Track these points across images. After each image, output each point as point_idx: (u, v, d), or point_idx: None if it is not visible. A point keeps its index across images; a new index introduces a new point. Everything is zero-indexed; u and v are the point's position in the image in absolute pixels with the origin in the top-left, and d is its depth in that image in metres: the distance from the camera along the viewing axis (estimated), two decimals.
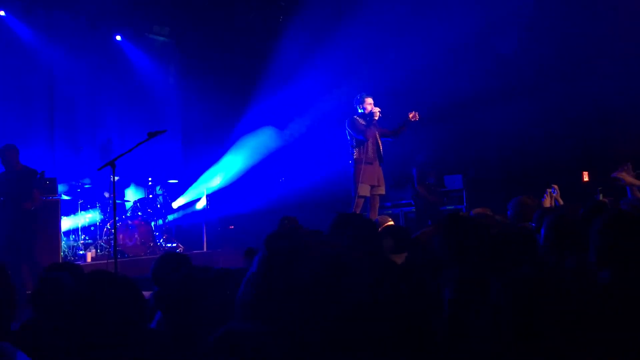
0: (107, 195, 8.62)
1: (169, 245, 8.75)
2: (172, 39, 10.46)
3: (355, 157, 7.30)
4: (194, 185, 9.91)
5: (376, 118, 7.16)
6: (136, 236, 8.33)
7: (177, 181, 9.73)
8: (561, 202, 4.95)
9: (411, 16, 8.53)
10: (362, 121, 7.23)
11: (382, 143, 7.36)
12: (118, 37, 10.00)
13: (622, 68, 7.99)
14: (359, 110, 7.31)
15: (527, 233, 3.36)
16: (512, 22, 8.33)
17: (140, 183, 9.38)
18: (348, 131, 7.33)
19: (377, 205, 7.52)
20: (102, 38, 9.77)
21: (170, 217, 9.38)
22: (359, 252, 2.86)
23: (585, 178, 8.00)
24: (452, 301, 2.15)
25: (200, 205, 9.62)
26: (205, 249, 9.09)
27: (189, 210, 9.68)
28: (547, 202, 4.86)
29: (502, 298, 1.74)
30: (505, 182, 8.62)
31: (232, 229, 9.83)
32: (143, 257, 8.05)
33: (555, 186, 4.91)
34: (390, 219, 6.19)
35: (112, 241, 7.10)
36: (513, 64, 8.47)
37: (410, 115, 7.21)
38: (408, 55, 8.44)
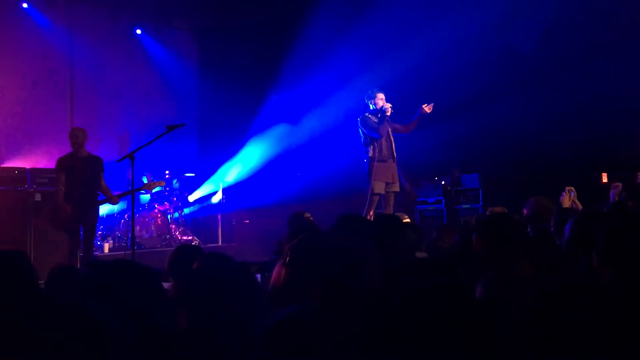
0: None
1: (185, 238, 8.82)
2: (192, 33, 10.52)
3: (369, 155, 7.25)
4: (210, 178, 9.97)
5: (388, 114, 7.08)
6: (152, 228, 8.42)
7: (193, 174, 9.80)
8: (578, 204, 4.90)
9: (428, 11, 8.48)
10: (374, 118, 7.14)
11: (394, 140, 7.31)
12: (138, 31, 10.08)
13: None
14: (370, 106, 7.24)
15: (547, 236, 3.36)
16: (532, 19, 8.24)
17: (157, 176, 9.44)
18: (361, 129, 7.28)
19: (392, 202, 7.50)
20: (123, 31, 9.86)
21: (186, 210, 9.45)
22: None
23: (604, 179, 7.91)
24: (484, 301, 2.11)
25: (216, 198, 9.69)
26: (220, 243, 9.16)
27: (204, 204, 9.75)
28: (566, 202, 4.79)
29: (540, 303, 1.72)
30: (522, 182, 8.55)
31: (247, 223, 9.88)
32: (159, 249, 8.13)
33: (572, 188, 4.85)
34: (406, 216, 6.21)
35: (130, 233, 7.20)
36: (532, 61, 8.39)
37: (425, 107, 7.13)
38: (425, 51, 8.39)
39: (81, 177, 6.34)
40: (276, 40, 9.89)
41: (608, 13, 7.86)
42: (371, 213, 7.16)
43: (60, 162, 6.42)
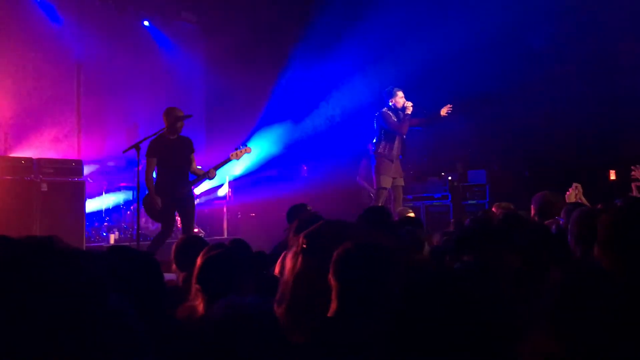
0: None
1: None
2: (200, 25, 10.51)
3: (379, 151, 7.30)
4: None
5: (409, 112, 7.17)
6: None
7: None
8: (585, 201, 4.86)
9: (440, 6, 8.44)
10: (394, 116, 7.23)
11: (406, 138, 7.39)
12: (146, 23, 10.08)
13: None
14: (390, 104, 7.30)
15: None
16: (544, 15, 8.19)
17: None
18: (379, 124, 7.32)
19: (401, 197, 7.54)
20: (131, 23, 9.86)
21: None
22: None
23: (612, 177, 7.85)
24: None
25: (222, 191, 9.68)
26: (225, 235, 9.16)
27: (211, 197, 9.75)
28: (572, 198, 4.77)
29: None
30: (529, 178, 8.51)
31: (253, 216, 9.88)
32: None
33: (579, 185, 4.82)
34: (411, 211, 6.21)
35: (135, 224, 7.22)
36: (542, 58, 8.34)
37: (443, 111, 7.23)
38: (434, 47, 8.36)
39: (176, 162, 6.12)
40: (284, 33, 9.86)
41: (620, 12, 7.79)
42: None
43: (151, 146, 6.10)
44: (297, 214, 4.60)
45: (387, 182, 7.25)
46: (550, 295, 1.46)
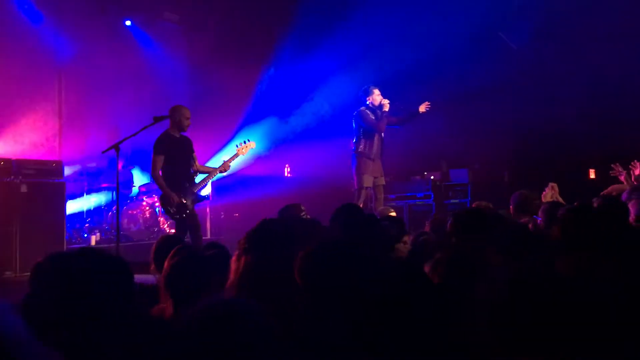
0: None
1: (173, 230, 8.77)
2: (182, 25, 10.46)
3: (359, 150, 7.32)
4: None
5: (386, 110, 7.18)
6: (140, 221, 8.39)
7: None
8: (561, 200, 4.92)
9: (421, 6, 8.47)
10: (371, 115, 7.23)
11: (384, 137, 7.40)
12: (128, 22, 10.01)
13: (635, 63, 7.91)
14: (367, 102, 7.30)
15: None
16: (523, 15, 8.26)
17: (146, 168, 9.40)
18: (357, 123, 7.33)
19: (382, 196, 7.56)
20: (112, 23, 9.77)
21: None
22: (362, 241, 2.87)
23: (592, 175, 7.94)
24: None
25: (205, 191, 9.63)
26: (209, 236, 9.12)
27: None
28: (548, 196, 4.84)
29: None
30: (510, 177, 8.59)
31: (236, 216, 9.85)
32: (147, 242, 8.09)
33: (555, 184, 4.89)
34: (392, 210, 6.22)
35: (118, 225, 7.17)
36: (521, 58, 8.41)
37: (421, 108, 7.25)
38: (414, 46, 8.40)
39: (183, 160, 6.02)
40: (267, 31, 9.85)
41: (600, 11, 7.88)
42: (361, 206, 7.19)
43: (158, 143, 5.98)
44: (289, 214, 4.61)
45: (368, 181, 7.27)
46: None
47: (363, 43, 9.16)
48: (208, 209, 9.37)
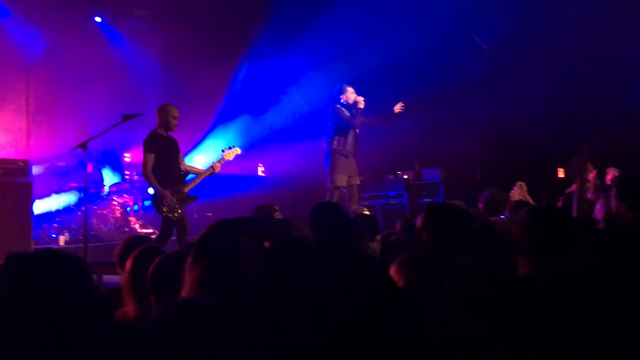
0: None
1: (144, 231, 8.67)
2: (153, 21, 10.32)
3: (333, 147, 7.30)
4: None
5: (361, 107, 7.17)
6: (111, 221, 8.27)
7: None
8: (529, 198, 4.98)
9: (393, 6, 8.50)
10: (346, 112, 7.22)
11: (359, 136, 7.39)
12: (98, 19, 9.85)
13: (602, 64, 8.05)
14: (342, 101, 7.30)
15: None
16: (494, 16, 8.34)
17: (117, 167, 9.28)
18: (332, 120, 7.32)
19: (357, 195, 7.55)
20: (82, 19, 9.60)
21: (146, 203, 9.28)
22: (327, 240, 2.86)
23: (561, 174, 8.06)
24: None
25: None
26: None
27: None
28: (516, 195, 4.89)
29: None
30: (482, 176, 8.67)
31: (210, 216, 9.76)
32: (117, 242, 7.94)
33: (523, 184, 4.95)
34: (366, 209, 6.21)
35: (85, 225, 7.04)
36: (494, 58, 8.49)
37: (396, 108, 7.27)
38: (387, 46, 8.43)
39: (172, 159, 5.98)
40: (240, 28, 9.77)
41: (567, 14, 7.99)
42: None
43: (149, 141, 5.94)
44: (262, 215, 4.56)
45: (341, 180, 7.25)
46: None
47: (336, 42, 9.16)
48: None
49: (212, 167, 6.29)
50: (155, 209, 6.09)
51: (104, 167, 9.07)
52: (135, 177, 9.05)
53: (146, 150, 5.91)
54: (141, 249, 2.91)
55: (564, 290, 1.93)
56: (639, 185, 3.34)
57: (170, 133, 6.13)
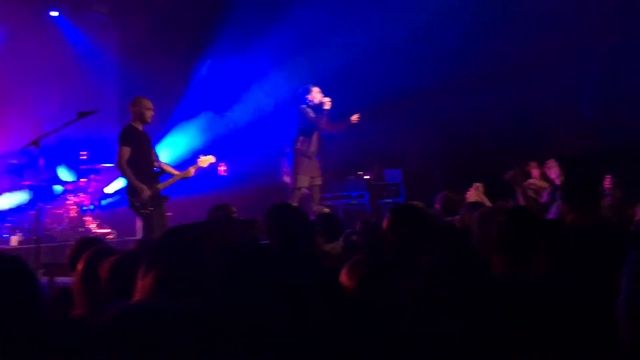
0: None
1: (101, 231, 8.47)
2: (112, 16, 10.10)
3: (297, 147, 7.28)
4: None
5: (327, 108, 7.15)
6: (65, 221, 8.06)
7: (112, 165, 9.42)
8: (486, 199, 5.05)
9: (355, 8, 8.53)
10: (312, 112, 7.20)
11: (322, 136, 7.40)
12: (54, 13, 9.58)
13: (556, 70, 8.25)
14: (307, 102, 7.27)
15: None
16: (456, 18, 8.46)
17: (73, 166, 9.04)
18: (297, 120, 7.28)
19: (319, 196, 7.54)
20: (37, 13, 9.33)
21: (103, 202, 9.09)
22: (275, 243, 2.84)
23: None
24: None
25: None
26: (139, 236, 8.85)
27: (123, 196, 9.39)
28: (472, 197, 4.96)
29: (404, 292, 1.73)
30: (443, 176, 8.78)
31: (169, 215, 9.60)
32: (72, 243, 7.75)
33: (480, 184, 5.02)
34: (327, 210, 6.24)
35: (40, 225, 6.85)
36: (451, 60, 8.60)
37: (353, 119, 7.28)
38: (350, 47, 8.45)
39: (147, 154, 5.85)
40: (201, 25, 9.63)
41: (525, 19, 8.16)
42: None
43: (125, 134, 5.81)
44: (218, 215, 4.49)
45: (304, 181, 7.24)
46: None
47: (299, 40, 9.13)
48: None
49: (187, 170, 6.25)
50: (129, 204, 5.93)
51: (59, 165, 8.83)
52: (92, 175, 8.84)
53: (122, 143, 5.79)
54: (93, 250, 2.84)
55: (535, 289, 1.97)
56: (579, 186, 3.41)
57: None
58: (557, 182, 4.96)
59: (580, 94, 8.48)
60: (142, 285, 1.75)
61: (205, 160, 6.54)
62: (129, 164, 5.77)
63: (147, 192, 5.74)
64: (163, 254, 1.73)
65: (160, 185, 5.98)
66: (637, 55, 7.96)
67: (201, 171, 6.66)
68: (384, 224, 3.04)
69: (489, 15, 8.24)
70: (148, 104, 5.96)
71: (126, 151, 5.75)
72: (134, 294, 1.83)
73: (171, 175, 6.20)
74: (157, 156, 6.20)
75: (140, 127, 5.93)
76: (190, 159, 9.72)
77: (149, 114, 5.94)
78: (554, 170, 5.11)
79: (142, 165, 5.83)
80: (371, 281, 1.81)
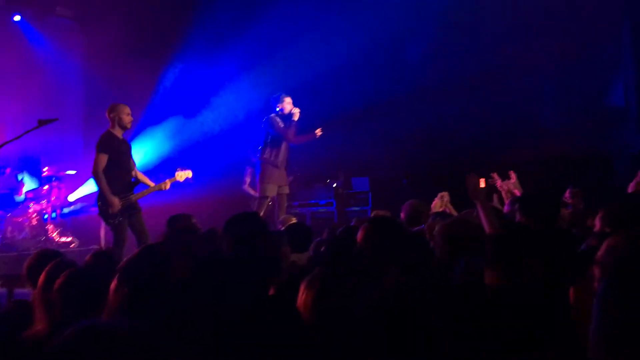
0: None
1: (63, 239, 8.29)
2: (77, 21, 9.92)
3: (265, 156, 7.26)
4: None
5: (295, 119, 7.16)
6: (27, 229, 7.86)
7: (75, 172, 9.25)
8: (452, 209, 5.11)
9: (325, 18, 8.56)
10: (280, 122, 7.19)
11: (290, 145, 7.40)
12: (17, 17, 9.37)
13: (522, 80, 8.42)
14: (277, 110, 7.27)
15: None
16: (421, 31, 8.57)
17: (35, 173, 8.85)
18: (266, 129, 7.27)
19: (285, 205, 7.53)
20: None
21: (66, 210, 8.91)
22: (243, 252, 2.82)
23: (482, 184, 8.31)
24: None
25: None
26: (102, 244, 8.69)
27: (87, 203, 9.22)
28: (437, 207, 5.01)
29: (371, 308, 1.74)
30: (408, 185, 8.85)
31: None
32: (33, 252, 7.56)
33: (446, 193, 5.07)
34: (294, 219, 6.20)
35: (1, 234, 6.68)
36: (416, 71, 8.71)
37: (317, 132, 7.32)
38: (317, 56, 8.48)
39: (125, 163, 5.72)
40: (168, 29, 9.52)
41: (492, 30, 8.30)
42: (261, 215, 7.14)
43: (103, 141, 5.67)
44: (177, 225, 4.43)
45: (271, 190, 7.22)
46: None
47: (266, 51, 9.12)
48: None
49: (163, 182, 6.12)
50: (98, 211, 5.84)
51: (21, 172, 8.62)
52: (54, 183, 8.65)
53: (99, 151, 5.69)
54: (54, 264, 2.77)
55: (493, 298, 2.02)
56: (536, 197, 3.48)
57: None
58: (517, 193, 5.03)
59: (539, 103, 8.68)
60: (114, 299, 1.74)
61: (182, 175, 6.42)
62: (104, 172, 5.66)
63: (117, 204, 5.64)
64: (137, 272, 1.72)
65: (134, 196, 5.86)
66: (593, 66, 8.20)
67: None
68: (360, 235, 3.04)
69: (452, 26, 8.37)
70: (126, 109, 5.87)
71: (102, 159, 5.66)
72: (106, 308, 1.81)
73: (146, 186, 6.05)
74: (134, 166, 6.05)
75: (119, 135, 5.83)
76: (158, 166, 9.63)
77: (128, 120, 5.84)
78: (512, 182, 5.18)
79: (118, 174, 5.74)
80: (326, 297, 1.81)
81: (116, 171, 5.73)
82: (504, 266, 2.34)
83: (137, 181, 6.03)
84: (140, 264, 1.79)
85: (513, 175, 5.19)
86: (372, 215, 5.51)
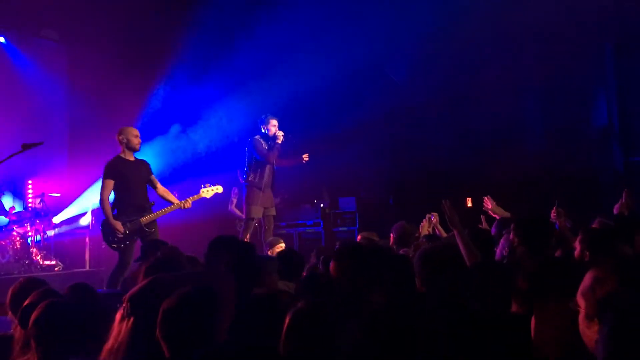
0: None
1: (47, 262, 8.18)
2: (62, 43, 9.88)
3: (249, 179, 7.22)
4: (79, 198, 9.35)
5: (279, 142, 7.13)
6: (10, 253, 7.74)
7: (59, 194, 9.15)
8: (441, 230, 5.10)
9: (311, 39, 8.60)
10: (264, 144, 7.16)
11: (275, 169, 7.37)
12: (1, 39, 9.31)
13: (506, 100, 8.49)
14: (263, 131, 7.25)
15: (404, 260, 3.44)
16: (405, 52, 8.64)
17: (19, 196, 8.75)
18: (250, 151, 7.24)
19: (272, 226, 7.47)
20: None
21: (50, 233, 8.79)
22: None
23: (469, 204, 8.36)
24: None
25: (85, 220, 9.09)
26: (87, 267, 8.59)
27: (72, 226, 9.12)
28: (425, 229, 5.00)
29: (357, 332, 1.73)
30: (394, 205, 8.86)
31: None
32: (16, 276, 7.44)
33: (435, 214, 5.06)
34: (282, 241, 6.11)
35: None
36: (402, 91, 8.76)
37: (304, 157, 7.32)
38: (303, 77, 8.51)
39: (134, 186, 5.65)
40: (153, 53, 9.51)
41: (473, 51, 8.40)
42: (247, 237, 7.08)
43: (108, 167, 5.66)
44: (153, 251, 4.33)
45: (257, 212, 7.17)
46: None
47: (255, 72, 9.12)
48: (87, 239, 8.82)
49: (185, 200, 6.00)
50: (103, 237, 5.81)
51: (3, 195, 8.52)
52: (39, 205, 8.55)
53: (104, 176, 5.69)
54: (36, 294, 2.70)
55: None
56: (532, 221, 3.49)
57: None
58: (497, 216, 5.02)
59: (524, 123, 8.76)
60: (119, 329, 1.72)
61: (210, 191, 6.27)
62: (109, 197, 5.67)
63: (120, 229, 5.61)
64: (145, 304, 1.70)
65: (147, 218, 5.77)
66: (577, 86, 8.30)
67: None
68: (331, 268, 3.02)
69: (437, 48, 8.44)
70: (134, 131, 5.87)
71: (107, 184, 5.64)
72: (110, 337, 1.79)
73: (169, 203, 5.95)
74: (155, 183, 5.95)
75: (130, 157, 5.80)
76: None
77: (137, 141, 5.82)
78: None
79: (126, 197, 5.69)
80: (309, 333, 1.79)
81: (124, 195, 5.70)
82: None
83: (152, 203, 5.93)
84: (150, 294, 1.77)
85: (488, 201, 5.18)
86: (359, 236, 5.47)
